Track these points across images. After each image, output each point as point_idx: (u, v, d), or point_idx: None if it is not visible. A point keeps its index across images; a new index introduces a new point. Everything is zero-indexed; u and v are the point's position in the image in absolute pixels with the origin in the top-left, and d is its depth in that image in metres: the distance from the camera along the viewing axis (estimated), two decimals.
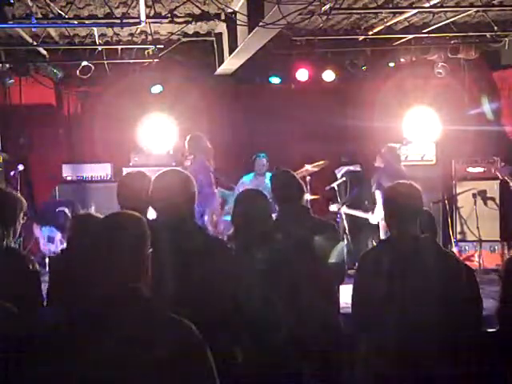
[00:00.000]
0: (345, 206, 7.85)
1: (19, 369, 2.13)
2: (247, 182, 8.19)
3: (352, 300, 3.41)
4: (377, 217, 7.51)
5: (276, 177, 4.31)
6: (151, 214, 3.33)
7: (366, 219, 7.74)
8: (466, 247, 8.67)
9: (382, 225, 7.72)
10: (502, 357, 2.37)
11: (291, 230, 3.62)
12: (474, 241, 8.61)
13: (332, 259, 3.70)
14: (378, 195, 7.39)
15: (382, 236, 7.63)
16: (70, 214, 7.85)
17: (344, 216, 8.01)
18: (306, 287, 3.47)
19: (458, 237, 8.83)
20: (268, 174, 8.13)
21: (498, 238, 8.64)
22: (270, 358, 3.27)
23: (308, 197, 7.31)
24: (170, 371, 1.96)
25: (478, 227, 8.45)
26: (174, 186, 3.10)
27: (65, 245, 7.80)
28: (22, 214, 3.46)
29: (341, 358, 3.42)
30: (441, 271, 3.18)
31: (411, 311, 3.14)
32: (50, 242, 7.97)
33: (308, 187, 7.50)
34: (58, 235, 8.02)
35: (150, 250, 2.17)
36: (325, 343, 3.46)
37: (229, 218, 7.63)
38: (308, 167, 7.81)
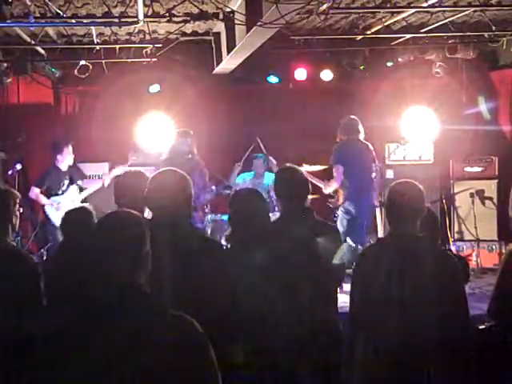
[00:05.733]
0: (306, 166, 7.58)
1: (19, 369, 2.13)
2: (246, 180, 8.19)
3: (350, 297, 3.41)
4: (328, 189, 7.25)
5: (280, 173, 4.05)
6: (148, 213, 3.32)
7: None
8: (464, 247, 8.68)
9: (380, 223, 7.74)
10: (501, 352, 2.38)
11: (292, 230, 3.60)
12: (471, 240, 8.63)
13: (333, 260, 3.69)
14: (335, 171, 7.13)
15: (380, 234, 7.65)
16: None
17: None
18: (305, 287, 3.47)
19: (456, 236, 8.84)
20: (267, 174, 8.14)
21: (496, 238, 8.66)
22: (269, 357, 3.27)
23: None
24: (172, 368, 1.96)
25: (475, 227, 8.47)
26: (171, 186, 3.09)
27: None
28: (16, 207, 3.44)
29: (340, 358, 3.42)
30: (438, 270, 3.19)
31: (409, 310, 3.14)
32: (57, 209, 7.90)
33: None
34: (65, 199, 7.99)
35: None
36: (324, 343, 3.46)
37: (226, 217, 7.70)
38: (307, 167, 7.78)
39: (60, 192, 8.01)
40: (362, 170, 7.16)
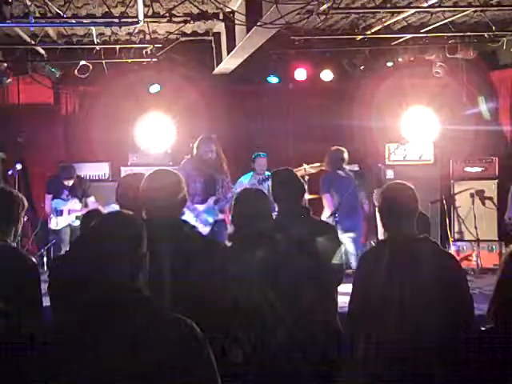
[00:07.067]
0: None
1: (19, 369, 2.13)
2: (245, 182, 8.17)
3: (350, 299, 3.41)
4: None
5: (276, 175, 4.12)
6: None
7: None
8: (464, 247, 8.67)
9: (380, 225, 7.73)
10: (500, 354, 2.37)
11: (291, 230, 3.61)
12: (471, 240, 8.62)
13: (332, 260, 3.69)
14: (324, 199, 7.32)
15: (380, 236, 7.64)
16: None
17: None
18: (305, 287, 3.47)
19: (456, 236, 8.83)
20: (267, 174, 8.11)
21: (496, 238, 8.65)
22: (269, 357, 3.27)
23: (307, 196, 7.28)
24: (172, 370, 1.96)
25: (475, 227, 8.46)
26: (166, 186, 3.09)
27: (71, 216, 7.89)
28: (23, 213, 3.46)
29: (340, 358, 3.42)
30: (439, 271, 3.19)
31: (409, 311, 3.14)
32: (59, 215, 8.02)
33: (306, 187, 7.44)
34: (66, 207, 8.09)
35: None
36: (324, 343, 3.46)
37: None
38: (306, 167, 7.79)
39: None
40: None
